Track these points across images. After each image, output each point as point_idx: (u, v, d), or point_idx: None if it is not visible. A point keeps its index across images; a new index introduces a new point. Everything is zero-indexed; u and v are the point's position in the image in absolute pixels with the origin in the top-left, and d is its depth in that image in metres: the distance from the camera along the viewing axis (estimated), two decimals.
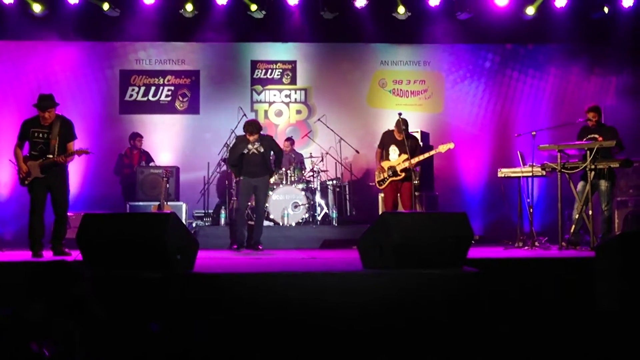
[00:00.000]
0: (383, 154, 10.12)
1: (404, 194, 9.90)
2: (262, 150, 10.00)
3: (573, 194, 9.30)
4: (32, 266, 6.72)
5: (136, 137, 12.37)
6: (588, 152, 8.78)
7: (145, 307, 5.27)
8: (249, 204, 10.44)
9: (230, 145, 10.56)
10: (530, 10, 11.84)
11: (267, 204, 11.03)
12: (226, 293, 5.51)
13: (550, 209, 11.19)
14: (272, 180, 10.96)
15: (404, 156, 9.77)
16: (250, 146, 9.95)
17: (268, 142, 10.20)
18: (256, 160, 9.95)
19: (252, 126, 10.00)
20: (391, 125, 10.17)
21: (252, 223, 10.31)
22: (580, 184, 9.27)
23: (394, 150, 9.99)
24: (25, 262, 7.42)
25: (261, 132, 10.18)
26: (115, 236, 5.68)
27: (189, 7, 11.75)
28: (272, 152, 10.16)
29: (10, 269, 6.81)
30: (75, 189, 12.01)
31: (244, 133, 10.05)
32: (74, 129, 8.55)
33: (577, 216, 9.12)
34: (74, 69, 12.94)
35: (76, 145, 8.57)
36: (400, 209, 10.12)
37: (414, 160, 9.72)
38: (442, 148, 9.91)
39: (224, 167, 12.12)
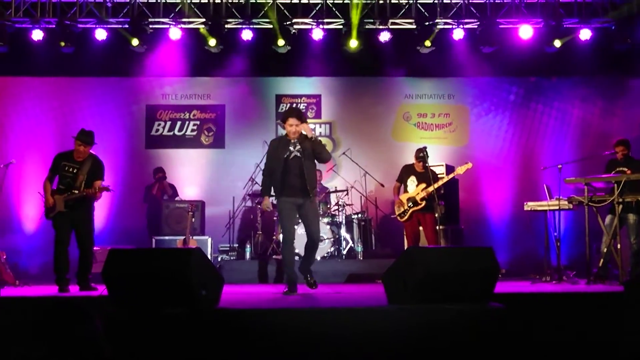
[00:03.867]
0: (401, 189, 10.12)
1: (427, 227, 9.86)
2: (305, 152, 7.97)
3: (600, 228, 9.20)
4: (37, 304, 6.76)
5: (159, 172, 12.45)
6: (616, 185, 8.70)
7: (170, 344, 5.26)
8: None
9: (267, 155, 8.36)
10: (557, 43, 11.77)
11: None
12: (251, 329, 5.48)
13: (577, 243, 11.08)
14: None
15: (423, 185, 9.76)
16: (291, 148, 7.99)
17: (308, 144, 8.03)
18: (298, 169, 7.95)
19: (296, 112, 8.14)
20: None
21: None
22: (608, 218, 9.19)
23: (412, 181, 9.99)
24: (47, 298, 7.44)
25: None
26: (140, 271, 5.68)
27: (213, 42, 11.83)
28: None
29: (35, 304, 6.83)
30: (101, 222, 12.12)
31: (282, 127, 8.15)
32: (104, 170, 8.72)
33: (605, 250, 9.01)
34: (100, 104, 13.12)
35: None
36: (424, 242, 10.08)
37: (431, 188, 9.67)
38: (461, 169, 9.87)
39: (249, 202, 12.14)
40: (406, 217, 9.95)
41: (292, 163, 7.93)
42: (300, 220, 8.35)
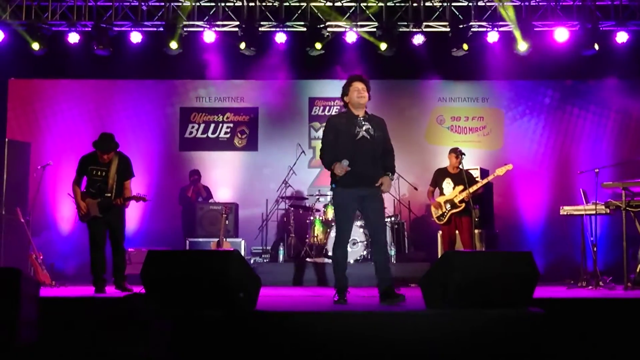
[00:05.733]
0: (435, 193, 10.07)
1: (464, 231, 9.79)
2: (375, 134, 6.76)
3: (638, 233, 9.08)
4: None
5: (194, 174, 12.52)
6: None
7: (209, 346, 5.27)
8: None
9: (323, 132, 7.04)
10: (596, 46, 11.62)
11: (325, 240, 10.96)
12: (289, 331, 5.48)
13: (614, 248, 10.94)
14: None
15: (460, 187, 9.70)
16: (358, 127, 6.72)
17: (380, 124, 6.92)
18: (367, 152, 6.70)
19: (360, 76, 6.98)
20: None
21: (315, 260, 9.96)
22: None
23: (448, 184, 9.94)
24: (91, 298, 7.50)
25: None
26: (178, 273, 5.70)
27: (243, 45, 11.83)
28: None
29: (78, 304, 6.88)
30: (135, 224, 12.22)
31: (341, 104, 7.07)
32: (131, 166, 8.63)
33: None
34: (136, 107, 13.25)
35: (133, 183, 8.66)
36: (459, 245, 10.01)
37: (472, 189, 9.60)
38: (500, 171, 9.76)
39: (282, 204, 12.15)
40: (445, 220, 9.89)
41: (359, 145, 6.64)
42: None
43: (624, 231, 8.82)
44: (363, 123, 6.73)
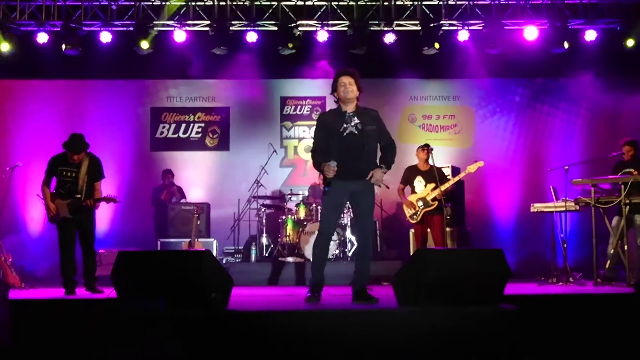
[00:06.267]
0: (406, 191, 10.07)
1: (436, 228, 9.79)
2: (365, 128, 6.69)
3: (607, 229, 9.19)
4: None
5: (167, 174, 12.46)
6: (623, 186, 8.68)
7: (184, 346, 5.24)
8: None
9: (315, 135, 6.90)
10: (566, 44, 11.71)
11: (297, 239, 10.96)
12: (261, 331, 5.47)
13: (583, 244, 11.02)
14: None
15: (432, 185, 9.70)
16: (346, 123, 6.67)
17: (373, 118, 6.88)
18: (356, 147, 6.64)
19: (347, 70, 6.88)
20: None
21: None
22: (615, 219, 9.18)
23: (419, 181, 9.94)
24: (61, 300, 7.44)
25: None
26: (150, 274, 5.67)
27: (217, 44, 11.78)
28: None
29: (46, 306, 6.83)
30: (106, 225, 12.14)
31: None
32: (102, 167, 8.57)
33: (612, 251, 9.00)
34: (106, 107, 13.14)
35: (104, 183, 8.59)
36: (431, 243, 10.02)
37: (444, 187, 9.61)
38: (472, 168, 9.77)
39: (254, 204, 12.12)
40: (419, 219, 9.89)
41: (347, 141, 6.57)
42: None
43: (594, 228, 8.92)
44: (352, 118, 6.66)
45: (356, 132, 6.60)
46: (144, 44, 11.64)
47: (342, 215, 10.97)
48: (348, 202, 6.96)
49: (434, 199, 9.70)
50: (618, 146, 9.53)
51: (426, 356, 5.39)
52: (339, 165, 6.46)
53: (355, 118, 6.67)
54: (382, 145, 6.85)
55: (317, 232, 6.93)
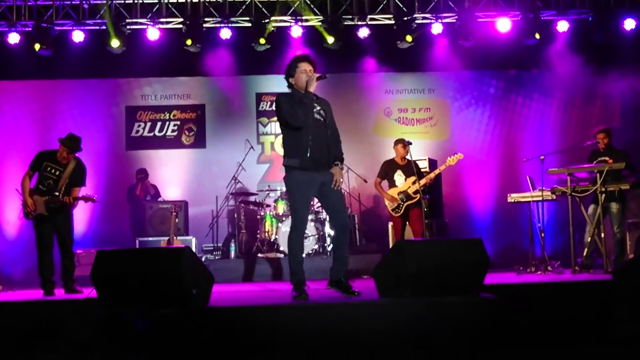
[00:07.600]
0: (383, 184, 10.09)
1: (415, 221, 9.81)
2: (327, 117, 6.44)
3: (584, 217, 9.26)
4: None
5: (141, 172, 12.40)
6: (598, 174, 8.74)
7: (164, 344, 5.22)
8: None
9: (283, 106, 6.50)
10: (537, 35, 11.79)
11: (276, 235, 10.98)
12: (243, 327, 5.45)
13: (561, 233, 11.13)
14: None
15: (412, 178, 9.69)
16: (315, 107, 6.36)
17: (329, 106, 6.60)
18: (321, 135, 6.38)
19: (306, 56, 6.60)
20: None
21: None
22: (591, 207, 9.25)
23: (399, 175, 9.96)
24: (39, 302, 7.38)
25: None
26: (130, 272, 5.63)
27: (190, 42, 11.74)
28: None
29: (23, 309, 6.77)
30: (83, 226, 12.06)
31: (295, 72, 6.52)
32: (85, 175, 8.57)
33: (589, 239, 9.07)
34: (80, 107, 13.05)
35: (82, 191, 8.53)
36: (409, 235, 10.05)
37: (424, 181, 9.64)
38: (452, 160, 9.77)
39: (232, 201, 12.10)
40: (401, 212, 9.90)
41: (314, 126, 6.29)
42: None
43: (570, 216, 8.96)
44: (315, 105, 6.39)
45: (321, 119, 6.36)
46: (115, 43, 11.57)
47: (320, 210, 11.01)
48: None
49: (415, 192, 9.70)
50: (592, 135, 9.59)
51: (408, 346, 5.41)
52: (305, 151, 6.25)
53: (317, 105, 6.41)
54: (333, 138, 6.55)
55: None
